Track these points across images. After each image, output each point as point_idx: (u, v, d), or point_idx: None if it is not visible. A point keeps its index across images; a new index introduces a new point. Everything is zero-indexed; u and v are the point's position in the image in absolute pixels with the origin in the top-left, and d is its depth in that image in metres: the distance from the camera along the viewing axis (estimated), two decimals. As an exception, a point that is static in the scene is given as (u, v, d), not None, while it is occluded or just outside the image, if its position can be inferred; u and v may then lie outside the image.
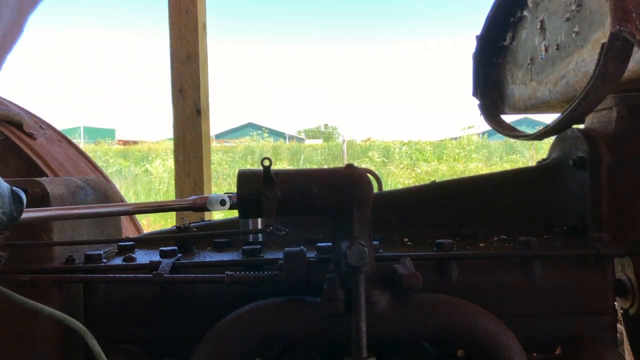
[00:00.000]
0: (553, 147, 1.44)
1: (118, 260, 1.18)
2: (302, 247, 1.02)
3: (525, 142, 5.66)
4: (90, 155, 2.68)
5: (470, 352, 1.08)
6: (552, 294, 1.14)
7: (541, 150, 12.83)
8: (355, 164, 1.05)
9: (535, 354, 1.12)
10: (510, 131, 1.58)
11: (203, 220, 1.95)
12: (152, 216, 8.74)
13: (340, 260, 0.96)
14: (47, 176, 1.80)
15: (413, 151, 17.17)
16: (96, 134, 29.38)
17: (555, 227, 1.33)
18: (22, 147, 1.89)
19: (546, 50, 1.35)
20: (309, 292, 0.99)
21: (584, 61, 1.16)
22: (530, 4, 1.43)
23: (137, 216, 2.64)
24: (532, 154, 15.01)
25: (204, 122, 2.94)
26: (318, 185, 0.97)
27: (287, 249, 1.01)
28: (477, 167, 14.97)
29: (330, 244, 1.06)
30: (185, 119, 2.91)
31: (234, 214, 1.17)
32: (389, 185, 12.10)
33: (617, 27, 0.93)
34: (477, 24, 1.67)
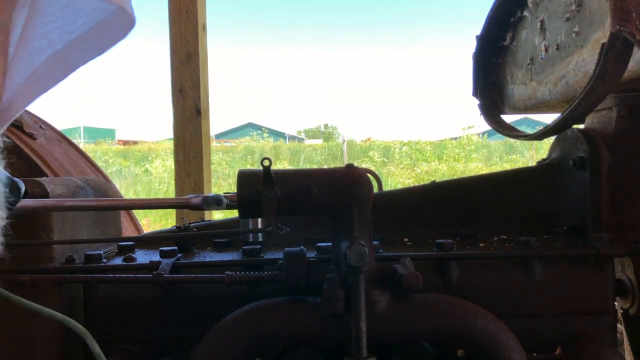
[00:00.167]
0: (553, 147, 1.44)
1: (118, 260, 1.18)
2: (302, 247, 1.02)
3: (525, 142, 5.67)
4: (90, 155, 2.68)
5: (470, 352, 1.08)
6: (552, 294, 1.14)
7: (541, 150, 12.84)
8: (355, 164, 1.05)
9: (535, 354, 1.12)
10: (510, 131, 1.58)
11: (203, 220, 1.95)
12: (152, 216, 8.74)
13: (340, 260, 0.96)
14: (47, 176, 1.80)
15: (413, 151, 17.17)
16: (96, 134, 29.38)
17: (555, 227, 1.33)
18: (22, 147, 1.89)
19: (546, 50, 1.35)
20: (309, 292, 0.99)
21: (584, 61, 1.16)
22: (530, 4, 1.43)
23: (137, 216, 2.64)
24: (532, 154, 15.01)
25: (204, 122, 2.94)
26: (318, 185, 0.97)
27: (287, 249, 1.01)
28: (477, 167, 14.97)
29: (330, 244, 1.06)
30: (185, 119, 2.91)
31: (234, 214, 1.17)
32: (389, 185, 12.10)
33: (617, 27, 0.93)
34: (477, 27, 1.68)
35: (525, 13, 1.47)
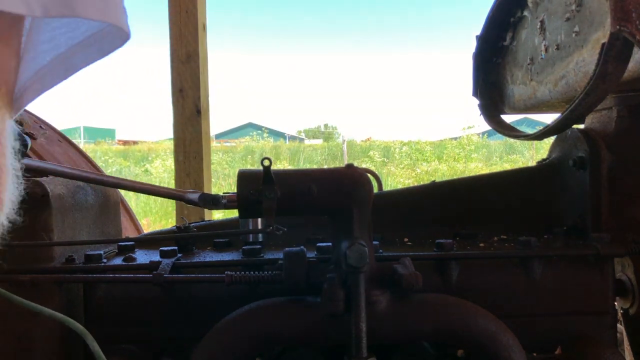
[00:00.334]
0: (553, 147, 1.44)
1: (118, 260, 1.18)
2: (302, 247, 1.02)
3: (525, 142, 5.67)
4: (90, 155, 2.68)
5: (470, 352, 1.08)
6: (552, 294, 1.14)
7: (541, 150, 12.84)
8: (355, 164, 1.05)
9: (535, 354, 1.12)
10: (510, 131, 1.58)
11: (203, 220, 1.95)
12: (152, 216, 8.76)
13: (340, 260, 0.96)
14: (46, 176, 1.80)
15: (413, 151, 17.17)
16: (96, 134, 29.38)
17: (555, 227, 1.33)
18: (22, 147, 1.89)
19: (546, 50, 1.35)
20: (309, 292, 0.99)
21: (584, 61, 1.16)
22: (530, 4, 1.43)
23: (137, 216, 2.65)
24: (532, 154, 15.01)
25: (204, 122, 2.94)
26: (318, 185, 0.97)
27: (287, 249, 1.01)
28: (477, 167, 14.97)
29: (330, 244, 1.06)
30: (185, 119, 2.91)
31: (234, 213, 1.18)
32: (389, 185, 12.10)
33: (617, 27, 0.93)
34: (477, 29, 1.68)
35: (525, 13, 1.47)
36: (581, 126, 1.38)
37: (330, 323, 0.96)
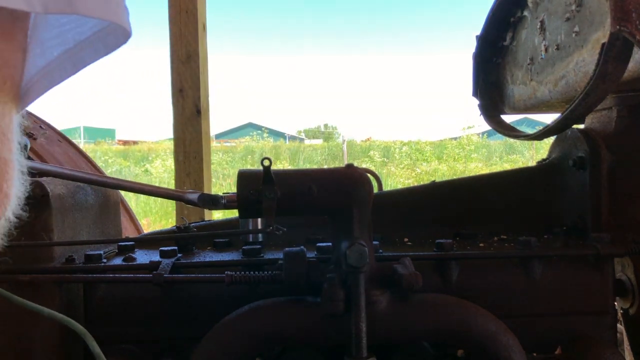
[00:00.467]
0: (553, 147, 1.44)
1: (118, 260, 1.18)
2: (302, 247, 1.02)
3: (525, 142, 5.67)
4: (90, 155, 2.68)
5: (470, 352, 1.08)
6: (552, 294, 1.14)
7: (541, 150, 12.84)
8: (355, 164, 1.05)
9: (535, 354, 1.12)
10: (510, 131, 1.58)
11: (203, 220, 1.95)
12: (152, 216, 8.75)
13: (340, 260, 0.96)
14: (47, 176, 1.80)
15: (413, 151, 17.17)
16: (96, 134, 29.39)
17: (555, 227, 1.33)
18: (22, 147, 1.89)
19: (546, 50, 1.35)
20: (309, 292, 0.99)
21: (584, 61, 1.16)
22: (530, 4, 1.43)
23: (137, 216, 2.65)
24: (532, 154, 15.01)
25: (204, 122, 2.94)
26: (318, 185, 0.97)
27: (287, 249, 1.01)
28: (477, 167, 14.97)
29: (330, 244, 1.06)
30: (185, 119, 2.91)
31: (234, 213, 1.18)
32: (389, 185, 12.10)
33: (617, 27, 0.93)
34: (477, 29, 1.68)
35: (525, 13, 1.48)
36: (581, 126, 1.38)
37: (330, 323, 0.96)
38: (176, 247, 1.21)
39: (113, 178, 1.27)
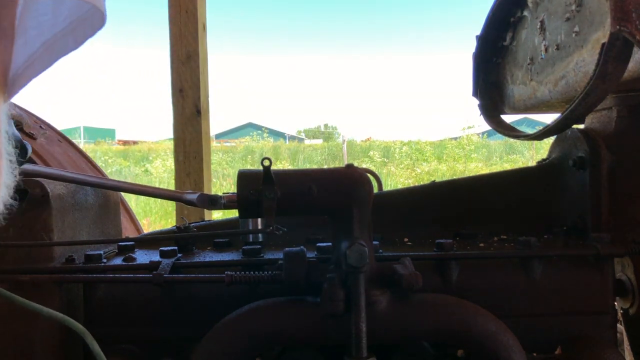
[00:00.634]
0: (553, 147, 1.44)
1: (118, 260, 1.18)
2: (302, 247, 1.02)
3: (525, 142, 5.67)
4: (90, 155, 2.68)
5: (470, 352, 1.08)
6: (552, 294, 1.14)
7: (541, 150, 12.84)
8: (355, 164, 1.05)
9: (535, 354, 1.12)
10: (510, 131, 1.58)
11: (203, 220, 1.95)
12: (152, 216, 8.75)
13: (340, 260, 0.96)
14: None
15: (413, 151, 17.17)
16: (96, 134, 29.39)
17: (555, 227, 1.33)
18: (22, 147, 1.89)
19: (546, 50, 1.35)
20: (309, 292, 0.99)
21: (584, 61, 1.16)
22: (530, 4, 1.43)
23: (137, 216, 2.65)
24: (532, 154, 15.02)
25: (204, 122, 2.94)
26: (318, 185, 0.97)
27: (287, 249, 1.01)
28: (477, 167, 14.97)
29: (330, 244, 1.06)
30: (185, 119, 2.91)
31: (234, 213, 1.18)
32: (389, 185, 12.10)
33: (617, 27, 0.93)
34: (478, 30, 1.68)
35: (525, 13, 1.47)
36: (581, 126, 1.38)
37: (330, 323, 0.96)
38: (176, 247, 1.21)
39: (112, 180, 1.27)
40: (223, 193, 1.22)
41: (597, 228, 1.25)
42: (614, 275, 1.18)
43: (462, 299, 1.01)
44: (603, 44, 0.97)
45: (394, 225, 1.35)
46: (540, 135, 1.26)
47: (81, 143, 20.60)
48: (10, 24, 0.42)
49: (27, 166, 1.05)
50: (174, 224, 1.46)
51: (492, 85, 1.69)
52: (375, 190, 1.39)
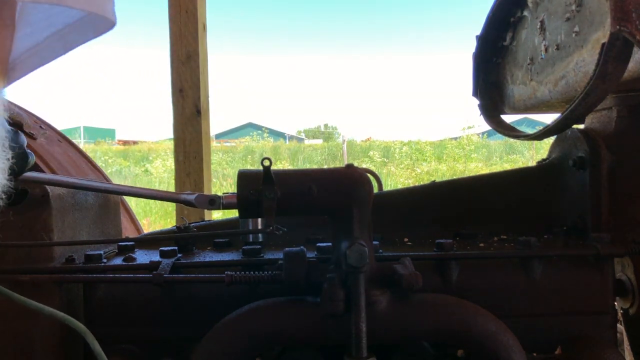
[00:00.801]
0: (553, 147, 1.44)
1: (118, 260, 1.18)
2: (302, 247, 1.02)
3: (525, 142, 5.68)
4: (90, 155, 2.67)
5: (470, 352, 1.08)
6: (552, 294, 1.14)
7: (541, 150, 12.84)
8: (355, 164, 1.05)
9: (535, 354, 1.12)
10: (510, 131, 1.58)
11: (203, 220, 1.95)
12: (152, 216, 8.75)
13: (340, 260, 0.96)
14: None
15: (413, 151, 17.17)
16: (96, 134, 29.38)
17: (555, 227, 1.33)
18: (22, 147, 1.88)
19: (546, 50, 1.35)
20: (309, 292, 0.99)
21: (584, 61, 1.16)
22: (530, 4, 1.43)
23: (137, 216, 2.64)
24: (532, 154, 15.02)
25: (204, 122, 2.94)
26: (318, 185, 0.97)
27: (287, 249, 1.01)
28: (477, 167, 14.97)
29: (330, 244, 1.06)
30: (185, 119, 2.91)
31: (234, 213, 1.18)
32: (389, 185, 12.10)
33: (617, 27, 0.93)
34: (477, 30, 1.68)
35: (525, 13, 1.47)
36: (581, 126, 1.38)
37: (330, 323, 0.96)
38: (176, 247, 1.21)
39: (111, 184, 1.28)
40: (223, 193, 1.22)
41: (597, 228, 1.25)
42: (614, 275, 1.18)
43: (462, 299, 1.01)
44: (603, 44, 0.97)
45: (394, 225, 1.35)
46: (540, 135, 1.26)
47: (81, 143, 20.60)
48: (10, 15, 0.44)
49: (29, 174, 1.05)
50: (174, 224, 1.46)
51: (492, 85, 1.69)
52: (375, 190, 1.39)
